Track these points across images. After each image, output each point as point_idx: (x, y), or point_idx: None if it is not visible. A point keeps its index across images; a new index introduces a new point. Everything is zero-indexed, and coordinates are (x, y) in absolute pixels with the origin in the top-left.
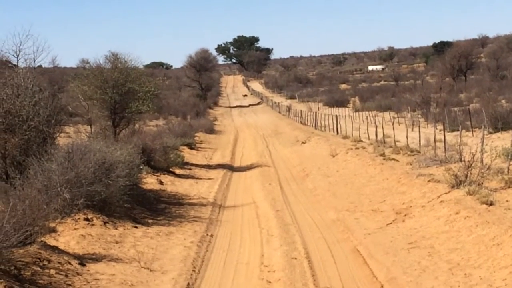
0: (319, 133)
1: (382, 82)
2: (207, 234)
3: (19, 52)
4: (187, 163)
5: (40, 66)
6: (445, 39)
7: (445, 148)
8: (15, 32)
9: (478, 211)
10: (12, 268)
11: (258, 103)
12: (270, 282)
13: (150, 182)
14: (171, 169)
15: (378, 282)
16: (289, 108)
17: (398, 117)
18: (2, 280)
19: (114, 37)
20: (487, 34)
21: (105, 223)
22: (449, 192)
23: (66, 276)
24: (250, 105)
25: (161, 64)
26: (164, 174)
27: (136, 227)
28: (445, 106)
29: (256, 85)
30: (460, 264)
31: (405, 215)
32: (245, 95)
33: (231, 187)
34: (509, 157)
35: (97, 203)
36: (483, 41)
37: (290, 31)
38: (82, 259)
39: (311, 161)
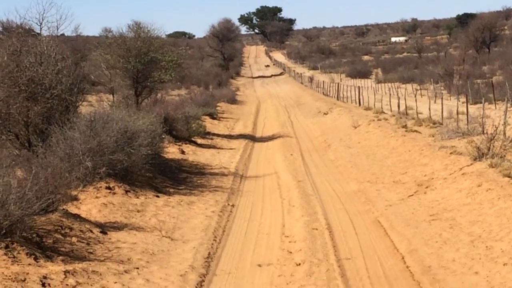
0: (341, 104)
1: (405, 54)
2: (228, 204)
3: (42, 20)
4: (208, 133)
5: (63, 35)
6: (468, 11)
7: (467, 120)
8: (39, 0)
9: (500, 184)
10: (34, 235)
11: (280, 74)
12: (291, 252)
13: (171, 151)
14: (192, 139)
15: (399, 254)
16: (311, 79)
17: (420, 89)
18: (24, 247)
19: (137, 6)
20: (511, 7)
21: (126, 192)
22: (471, 164)
23: (88, 244)
24: (272, 75)
25: (183, 34)
26: (185, 143)
27: (157, 196)
28: (468, 78)
29: (279, 56)
30: (481, 237)
31: (426, 187)
32: (268, 66)
33: (253, 157)
34: None
35: (119, 172)
36: (507, 13)
37: (313, 1)
38: (104, 228)
39: (333, 132)
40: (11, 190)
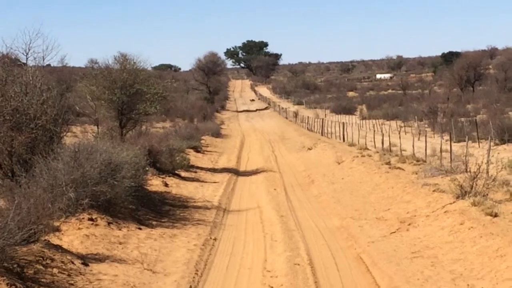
0: (325, 140)
1: (390, 91)
2: (211, 238)
3: (29, 50)
4: (192, 166)
5: (49, 65)
6: (454, 50)
7: (451, 158)
8: (25, 30)
9: (482, 222)
10: (15, 266)
11: (265, 108)
12: (272, 287)
13: (155, 184)
14: (176, 172)
15: None
16: (296, 114)
17: (405, 126)
18: (5, 278)
19: (123, 38)
20: (496, 46)
21: (109, 223)
22: (454, 202)
23: (69, 275)
24: (257, 110)
25: (169, 66)
26: (169, 176)
27: (140, 229)
28: (452, 116)
29: (264, 90)
30: (463, 275)
31: (409, 224)
32: (253, 100)
33: (236, 191)
34: None
35: (102, 204)
36: (492, 53)
37: (299, 37)
38: (85, 259)
39: (316, 167)
40: None
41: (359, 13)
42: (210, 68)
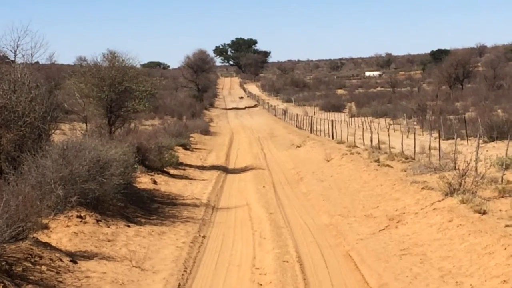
0: (314, 137)
1: (378, 88)
2: (200, 235)
3: (17, 47)
4: (181, 164)
5: (37, 62)
6: (442, 47)
7: (439, 155)
8: (13, 28)
9: (471, 220)
10: (3, 263)
11: (254, 106)
12: (261, 284)
13: (144, 181)
14: (165, 169)
15: None
16: (285, 112)
17: (393, 124)
18: None
19: (112, 35)
20: (485, 44)
21: (97, 221)
22: (442, 200)
23: (57, 273)
24: (246, 107)
25: (158, 64)
26: (158, 174)
27: (128, 226)
28: (441, 114)
29: (253, 88)
30: (451, 272)
31: (398, 222)
32: (242, 98)
33: (225, 188)
34: (503, 166)
35: (91, 201)
36: (480, 50)
37: (288, 34)
38: (74, 257)
39: (305, 165)
40: None
41: (349, 11)
42: (199, 66)
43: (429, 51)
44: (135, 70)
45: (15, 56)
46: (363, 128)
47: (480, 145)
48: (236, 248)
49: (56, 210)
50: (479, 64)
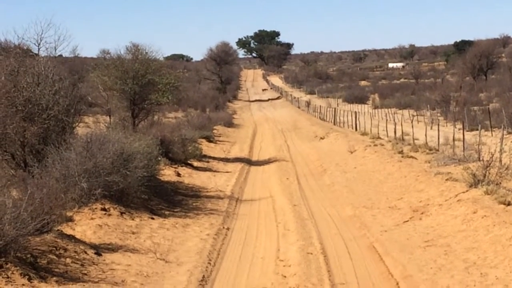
0: (337, 129)
1: (402, 80)
2: (224, 227)
3: (41, 40)
4: (205, 156)
5: (60, 55)
6: (466, 38)
7: (463, 147)
8: (37, 21)
9: (495, 211)
10: (28, 256)
11: (278, 98)
12: (285, 276)
13: (167, 173)
14: (189, 162)
15: (394, 280)
16: (308, 104)
17: (417, 115)
18: (18, 268)
19: (135, 28)
20: (508, 34)
21: (122, 213)
22: (466, 191)
23: (82, 265)
24: (269, 99)
25: (181, 56)
26: (182, 166)
27: (152, 218)
28: (465, 105)
29: (276, 80)
30: (476, 263)
31: (422, 213)
32: (265, 90)
33: (249, 180)
34: None
35: (115, 194)
36: (504, 41)
37: (311, 26)
38: (98, 249)
39: (329, 156)
40: (6, 210)
41: (372, 2)
42: (222, 58)
43: (452, 42)
44: (158, 63)
45: (38, 49)
46: (386, 120)
47: (505, 136)
48: (260, 240)
49: (80, 202)
50: (503, 54)
